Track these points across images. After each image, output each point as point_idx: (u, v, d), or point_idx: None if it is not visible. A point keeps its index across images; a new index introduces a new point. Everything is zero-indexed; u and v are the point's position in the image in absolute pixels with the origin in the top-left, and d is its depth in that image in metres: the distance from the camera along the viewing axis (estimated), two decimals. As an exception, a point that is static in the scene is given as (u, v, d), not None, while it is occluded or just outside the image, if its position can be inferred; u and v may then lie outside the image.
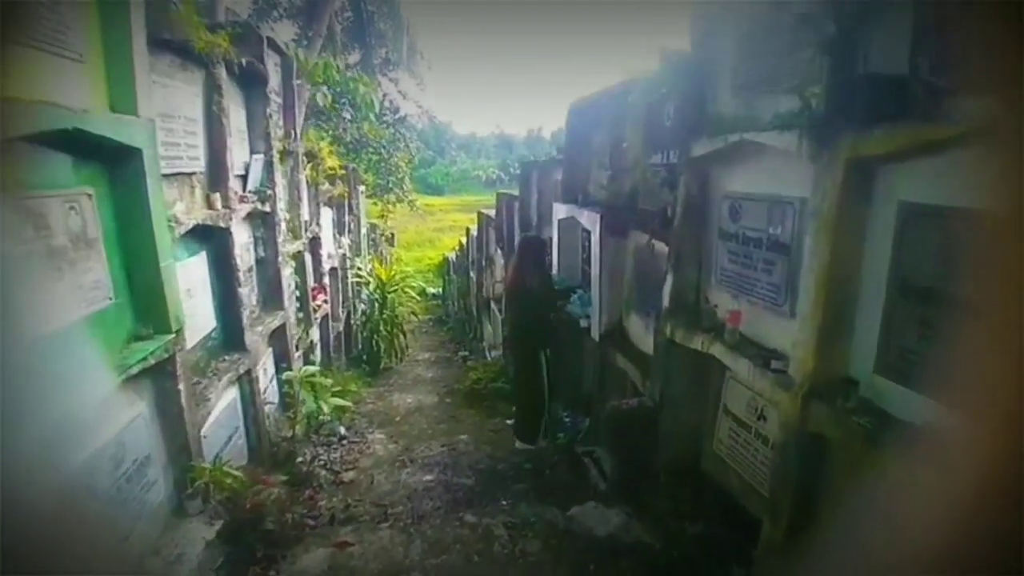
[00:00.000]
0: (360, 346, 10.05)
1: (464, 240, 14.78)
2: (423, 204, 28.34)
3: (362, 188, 12.78)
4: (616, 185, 4.71)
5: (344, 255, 9.43)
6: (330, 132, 16.20)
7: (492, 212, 10.41)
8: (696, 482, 3.80)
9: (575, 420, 5.68)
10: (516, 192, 8.73)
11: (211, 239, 4.05)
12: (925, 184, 2.10)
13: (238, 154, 4.74)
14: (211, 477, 3.34)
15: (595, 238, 4.86)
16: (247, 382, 4.41)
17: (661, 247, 3.89)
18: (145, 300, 3.02)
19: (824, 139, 2.39)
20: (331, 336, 8.04)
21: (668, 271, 3.67)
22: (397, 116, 19.54)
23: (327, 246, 8.22)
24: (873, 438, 2.21)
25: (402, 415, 7.01)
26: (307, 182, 7.23)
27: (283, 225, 6.13)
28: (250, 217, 5.02)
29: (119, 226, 2.89)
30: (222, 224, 4.02)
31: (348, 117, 18.23)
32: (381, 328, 9.67)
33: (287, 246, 5.99)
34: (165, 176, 3.28)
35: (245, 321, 4.34)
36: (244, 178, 4.89)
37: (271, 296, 5.35)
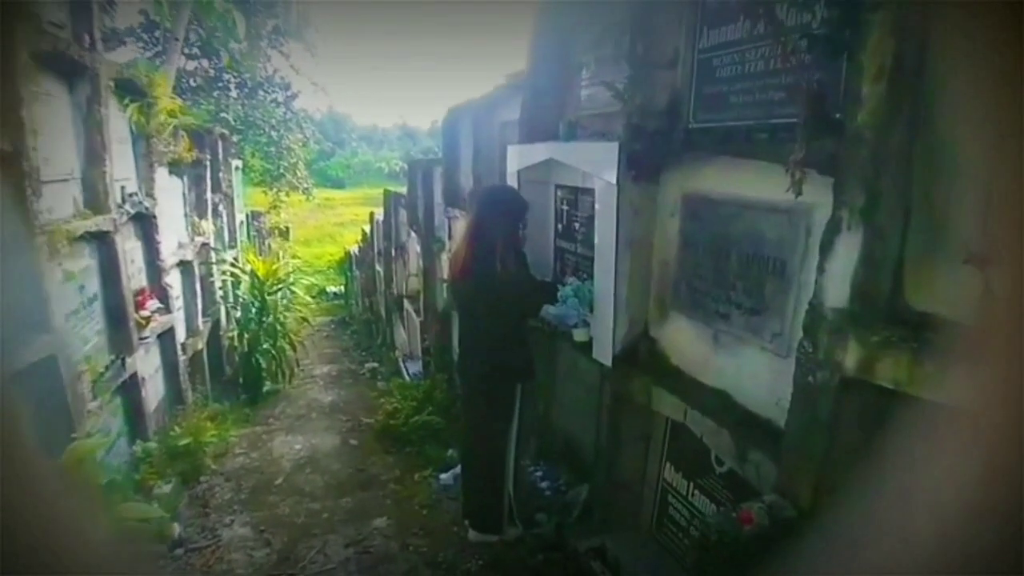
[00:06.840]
0: (236, 366, 7.59)
1: (368, 228, 12.42)
2: (323, 198, 25.55)
3: (238, 164, 10.12)
4: (642, 93, 2.68)
5: (206, 245, 6.93)
6: (210, 110, 13.53)
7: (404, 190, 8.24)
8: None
9: (557, 487, 3.65)
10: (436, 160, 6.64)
11: None
12: None
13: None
14: None
15: (605, 190, 2.84)
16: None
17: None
18: None
19: None
20: (181, 359, 5.58)
21: (845, 228, 1.68)
22: (289, 93, 17.10)
23: (172, 231, 5.75)
24: None
25: (286, 475, 4.71)
26: (132, 129, 4.81)
27: (74, 189, 3.74)
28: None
29: None
30: None
31: (234, 95, 15.70)
32: (261, 341, 7.22)
33: (75, 223, 3.60)
34: None
35: None
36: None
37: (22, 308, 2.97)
